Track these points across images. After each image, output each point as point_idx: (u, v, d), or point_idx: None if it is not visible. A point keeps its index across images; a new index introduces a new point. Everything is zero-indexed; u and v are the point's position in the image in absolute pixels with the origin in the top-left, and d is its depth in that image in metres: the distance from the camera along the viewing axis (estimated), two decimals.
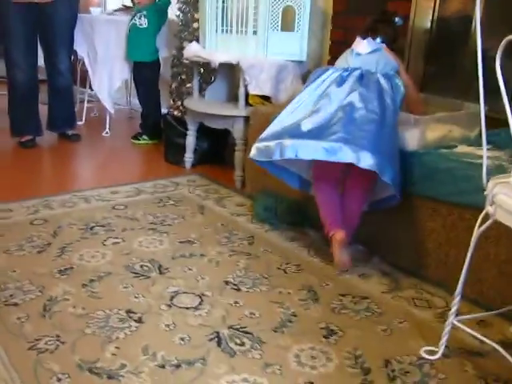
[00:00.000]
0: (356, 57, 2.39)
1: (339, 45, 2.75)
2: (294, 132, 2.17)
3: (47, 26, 3.80)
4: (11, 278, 2.03)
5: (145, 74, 4.06)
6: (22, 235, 2.39)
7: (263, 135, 2.32)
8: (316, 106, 2.23)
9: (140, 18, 3.92)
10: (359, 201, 2.26)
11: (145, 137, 4.15)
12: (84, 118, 4.70)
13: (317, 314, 1.91)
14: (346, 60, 2.42)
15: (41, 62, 3.99)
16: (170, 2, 4.08)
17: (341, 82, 2.27)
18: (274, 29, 3.10)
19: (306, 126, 2.16)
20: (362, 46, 2.40)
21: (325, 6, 3.33)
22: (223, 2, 3.19)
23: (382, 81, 2.26)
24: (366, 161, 2.01)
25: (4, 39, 3.78)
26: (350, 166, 2.12)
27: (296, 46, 3.17)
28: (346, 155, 2.03)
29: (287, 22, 3.16)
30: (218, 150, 3.64)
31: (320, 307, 1.95)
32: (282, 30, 3.13)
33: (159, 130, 4.10)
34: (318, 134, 2.11)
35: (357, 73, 2.29)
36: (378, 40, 2.40)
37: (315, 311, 1.92)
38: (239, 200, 2.98)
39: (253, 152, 2.32)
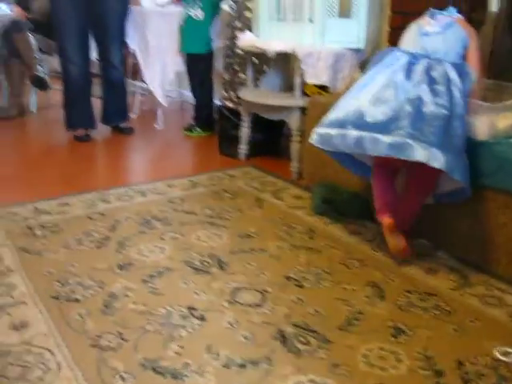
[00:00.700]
0: (423, 37, 2.28)
1: (398, 31, 2.64)
2: (358, 122, 2.09)
3: (99, 20, 3.81)
4: (71, 274, 2.02)
5: (199, 66, 4.02)
6: (80, 229, 2.39)
7: (325, 120, 2.25)
8: (381, 93, 2.13)
9: (195, 10, 3.87)
10: (420, 193, 2.19)
11: (198, 129, 4.13)
12: (136, 111, 4.70)
13: (383, 311, 1.83)
14: (412, 40, 2.32)
15: (92, 55, 4.00)
16: None
17: (408, 71, 2.15)
18: (331, 15, 3.01)
19: (370, 116, 2.07)
20: (430, 25, 2.29)
21: None
22: None
23: (451, 71, 2.14)
24: (437, 160, 1.92)
25: (57, 35, 3.82)
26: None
27: (353, 32, 3.07)
28: (415, 153, 1.94)
29: (344, 8, 3.06)
30: (272, 140, 3.58)
31: (386, 304, 1.87)
32: (339, 16, 3.04)
33: (212, 122, 4.08)
34: (384, 127, 2.02)
35: (425, 62, 2.17)
36: (451, 10, 2.28)
37: (382, 309, 1.85)
38: (296, 192, 2.91)
39: (314, 137, 2.25)
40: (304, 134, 2.91)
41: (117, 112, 4.14)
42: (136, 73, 4.72)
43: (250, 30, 3.49)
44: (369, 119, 2.07)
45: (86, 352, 1.59)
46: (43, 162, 3.49)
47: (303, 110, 2.97)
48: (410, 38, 2.35)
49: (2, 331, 1.67)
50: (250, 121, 3.37)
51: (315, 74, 2.94)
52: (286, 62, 3.35)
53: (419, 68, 2.15)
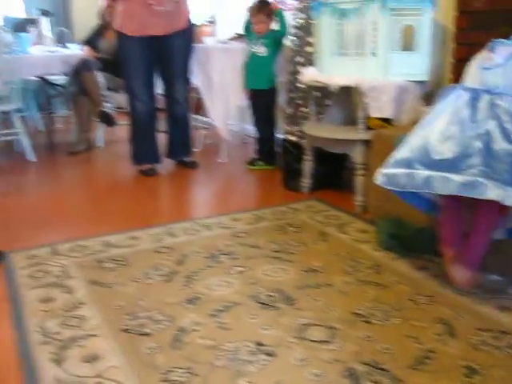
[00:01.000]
0: (483, 71, 2.24)
1: (463, 62, 2.61)
2: (425, 160, 2.06)
3: (165, 57, 3.93)
4: (141, 307, 2.05)
5: (262, 101, 4.08)
6: (148, 263, 2.44)
7: (391, 160, 2.21)
8: (446, 130, 2.09)
9: (259, 47, 3.95)
10: (489, 228, 2.13)
11: (260, 162, 4.16)
12: (200, 145, 4.78)
13: (455, 350, 1.78)
14: (473, 75, 2.28)
15: (157, 91, 4.12)
16: (286, 34, 4.01)
17: (473, 107, 2.12)
18: (394, 49, 3.01)
19: (437, 153, 2.04)
20: (490, 58, 2.26)
21: (445, 22, 3.21)
22: (339, 25, 3.16)
23: None
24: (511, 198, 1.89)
25: (125, 73, 3.95)
26: None
27: (417, 65, 3.05)
28: (488, 192, 1.90)
29: (407, 41, 3.06)
30: (335, 173, 3.57)
31: (458, 343, 1.82)
32: (402, 49, 3.03)
33: (274, 156, 4.11)
34: (453, 165, 1.99)
35: (487, 97, 2.13)
36: None
37: (453, 347, 1.80)
38: (361, 226, 2.89)
39: (380, 179, 2.21)
40: (368, 167, 2.90)
41: (181, 146, 4.23)
42: (199, 108, 4.83)
43: (312, 65, 3.52)
44: (436, 156, 2.04)
45: None
46: (110, 195, 3.59)
47: (367, 143, 2.97)
48: (472, 73, 2.32)
49: (74, 363, 1.71)
50: (312, 154, 3.39)
51: (379, 107, 2.93)
52: (348, 95, 3.36)
53: (483, 104, 2.10)
